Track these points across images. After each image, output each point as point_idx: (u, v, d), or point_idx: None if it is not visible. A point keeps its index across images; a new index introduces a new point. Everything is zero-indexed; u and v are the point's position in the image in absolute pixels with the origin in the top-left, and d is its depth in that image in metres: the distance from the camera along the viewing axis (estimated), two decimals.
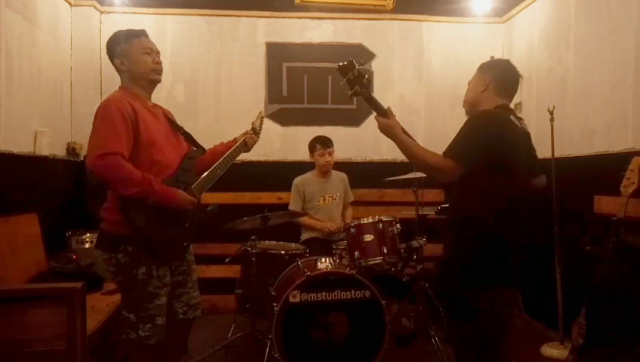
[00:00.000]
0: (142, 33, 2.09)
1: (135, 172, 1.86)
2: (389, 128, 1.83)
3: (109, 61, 2.09)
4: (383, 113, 1.86)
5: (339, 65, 1.85)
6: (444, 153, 1.78)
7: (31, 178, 3.12)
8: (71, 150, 3.73)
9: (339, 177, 3.75)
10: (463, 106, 2.05)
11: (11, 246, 2.55)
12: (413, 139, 1.86)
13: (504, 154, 1.77)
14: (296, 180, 3.66)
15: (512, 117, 1.87)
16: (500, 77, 1.95)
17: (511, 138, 1.80)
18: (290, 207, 3.62)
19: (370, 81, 1.89)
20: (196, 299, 2.21)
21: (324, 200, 3.65)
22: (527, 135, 1.94)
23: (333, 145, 3.63)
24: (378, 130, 1.86)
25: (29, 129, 3.17)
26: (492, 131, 1.77)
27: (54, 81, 3.57)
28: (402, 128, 1.86)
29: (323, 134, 3.72)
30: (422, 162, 1.82)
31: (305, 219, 3.56)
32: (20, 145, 3.02)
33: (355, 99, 4.23)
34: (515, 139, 1.82)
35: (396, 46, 4.31)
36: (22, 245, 2.67)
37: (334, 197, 3.67)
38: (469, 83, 2.04)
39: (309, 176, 3.69)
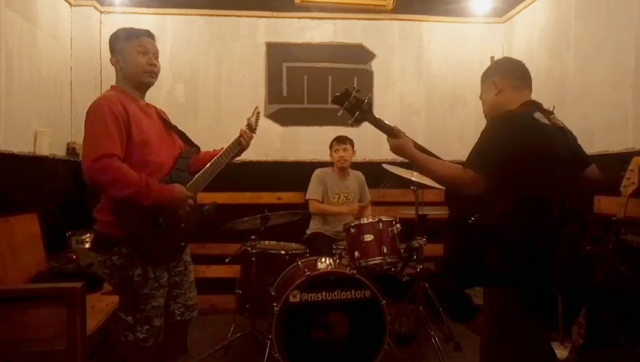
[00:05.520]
0: (143, 33, 2.04)
1: (131, 173, 1.83)
2: (401, 148, 1.78)
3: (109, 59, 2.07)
4: (392, 133, 1.80)
5: (334, 97, 1.81)
6: (463, 164, 1.65)
7: (31, 178, 3.12)
8: (71, 150, 3.73)
9: (355, 177, 3.76)
10: (486, 118, 1.87)
11: (11, 246, 2.55)
12: (431, 153, 1.78)
13: (532, 156, 1.60)
14: (318, 171, 3.70)
15: (537, 114, 1.71)
16: (506, 71, 1.83)
17: (538, 137, 1.65)
18: (309, 195, 3.65)
19: (371, 105, 1.84)
20: (193, 300, 2.19)
21: (338, 198, 3.66)
22: (559, 129, 1.77)
23: (349, 143, 3.64)
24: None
25: (29, 129, 3.17)
26: (512, 136, 1.61)
27: (54, 81, 3.57)
28: (416, 143, 1.79)
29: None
30: (440, 178, 1.73)
31: (329, 207, 3.60)
32: (20, 145, 3.02)
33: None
34: (543, 138, 1.66)
35: (396, 46, 4.30)
36: (22, 245, 2.67)
37: (349, 197, 3.69)
38: (481, 98, 1.90)
39: (328, 170, 3.71)
